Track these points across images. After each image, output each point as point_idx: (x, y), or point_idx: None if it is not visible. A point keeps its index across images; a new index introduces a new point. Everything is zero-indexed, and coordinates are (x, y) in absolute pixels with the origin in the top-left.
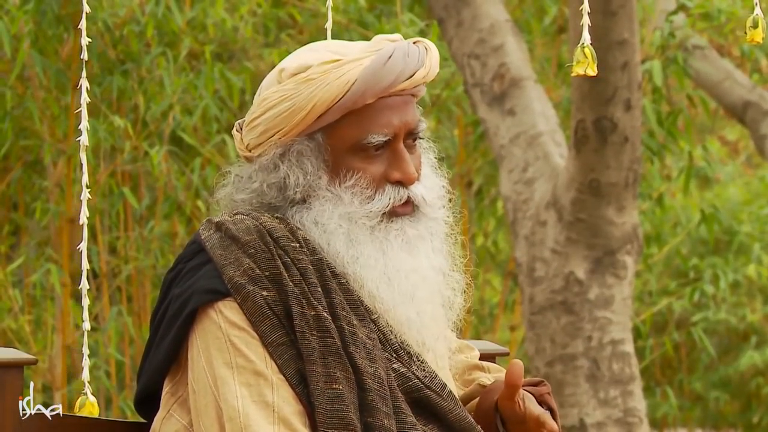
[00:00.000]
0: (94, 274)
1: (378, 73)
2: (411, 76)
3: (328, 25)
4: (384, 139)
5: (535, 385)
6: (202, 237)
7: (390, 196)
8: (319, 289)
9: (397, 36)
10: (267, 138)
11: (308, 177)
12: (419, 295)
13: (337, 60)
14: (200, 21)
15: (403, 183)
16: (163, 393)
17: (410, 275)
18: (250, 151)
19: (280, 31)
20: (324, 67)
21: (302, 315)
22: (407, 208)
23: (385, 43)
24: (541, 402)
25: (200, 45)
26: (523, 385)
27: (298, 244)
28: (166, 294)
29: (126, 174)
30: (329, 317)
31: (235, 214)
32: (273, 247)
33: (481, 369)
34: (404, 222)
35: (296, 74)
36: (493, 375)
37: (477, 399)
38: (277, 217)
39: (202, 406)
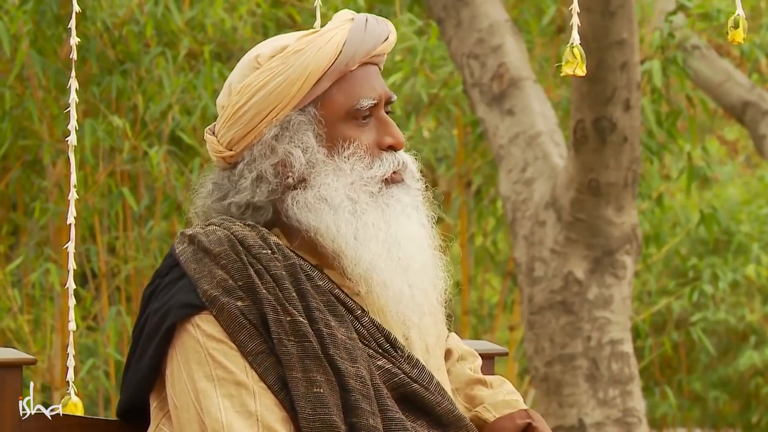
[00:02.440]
0: (93, 274)
1: (362, 35)
2: (386, 39)
3: (317, 24)
4: (373, 102)
5: (525, 429)
6: (177, 251)
7: (389, 161)
8: (294, 294)
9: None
10: (259, 121)
11: (307, 152)
12: (414, 266)
13: (316, 31)
14: (199, 21)
15: (394, 147)
16: (151, 408)
17: (408, 244)
18: (231, 148)
19: (279, 31)
20: (307, 38)
21: (278, 321)
22: (398, 176)
23: (349, 14)
24: None
25: (199, 45)
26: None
27: (270, 251)
28: (144, 309)
29: (125, 174)
30: (306, 321)
31: (208, 225)
32: (245, 256)
33: (483, 383)
34: (399, 189)
35: (275, 54)
36: (495, 392)
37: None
38: (248, 225)
39: (185, 420)
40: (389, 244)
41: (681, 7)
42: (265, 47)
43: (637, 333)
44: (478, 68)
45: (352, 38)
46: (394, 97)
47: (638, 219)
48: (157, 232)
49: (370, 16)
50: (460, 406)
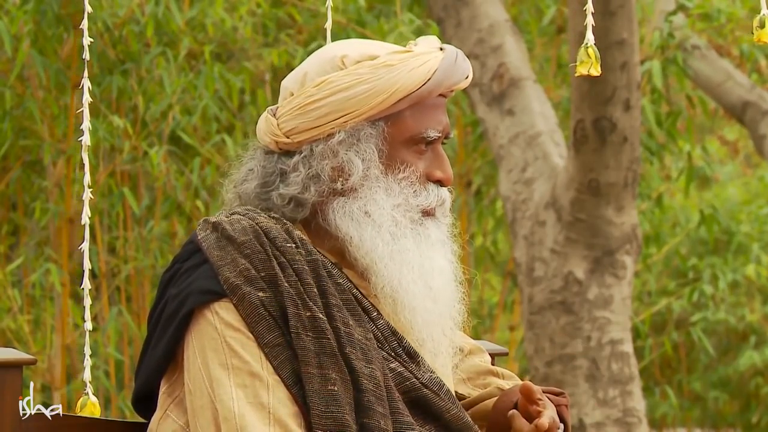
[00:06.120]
0: (93, 274)
1: (452, 67)
2: (467, 77)
3: (328, 25)
4: (438, 135)
5: (556, 395)
6: (199, 237)
7: (434, 194)
8: (315, 290)
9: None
10: (328, 121)
11: (365, 164)
12: (443, 299)
13: (409, 51)
14: (200, 21)
15: (442, 183)
16: (160, 393)
17: (438, 277)
18: (289, 136)
19: (279, 31)
20: (399, 56)
21: (297, 316)
22: (433, 210)
23: (437, 42)
24: (557, 414)
25: (200, 45)
26: (544, 392)
27: (294, 245)
28: (162, 294)
29: (125, 174)
30: (324, 318)
31: (232, 213)
32: (269, 248)
33: (496, 374)
34: (433, 223)
35: (362, 61)
36: (508, 381)
37: (494, 399)
38: (273, 217)
39: (198, 406)
40: (422, 272)
41: (681, 7)
42: (352, 50)
43: (637, 333)
44: (478, 68)
45: (443, 69)
46: (452, 134)
47: (638, 219)
48: (157, 232)
49: (458, 51)
50: (474, 393)
